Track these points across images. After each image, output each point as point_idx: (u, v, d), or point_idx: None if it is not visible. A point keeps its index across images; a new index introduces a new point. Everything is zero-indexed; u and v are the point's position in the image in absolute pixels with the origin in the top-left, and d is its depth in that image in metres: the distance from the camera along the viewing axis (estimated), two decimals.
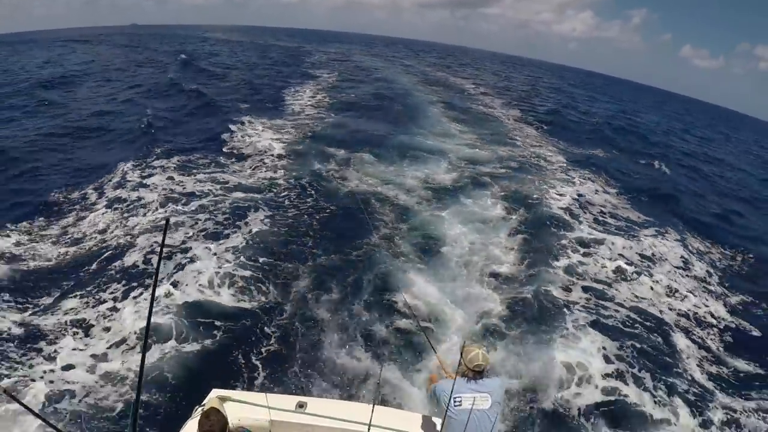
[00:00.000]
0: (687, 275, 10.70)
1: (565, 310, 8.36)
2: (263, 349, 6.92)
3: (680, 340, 8.18)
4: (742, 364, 7.92)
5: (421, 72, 50.76)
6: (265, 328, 7.35)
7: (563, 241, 11.14)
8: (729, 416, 6.58)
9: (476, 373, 3.53)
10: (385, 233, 10.61)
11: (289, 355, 6.86)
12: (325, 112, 23.30)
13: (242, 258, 8.89)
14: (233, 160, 14.65)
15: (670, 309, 9.17)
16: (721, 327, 8.98)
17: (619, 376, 6.95)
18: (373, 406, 3.24)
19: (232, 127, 17.60)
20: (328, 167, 14.66)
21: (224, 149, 15.43)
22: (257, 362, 6.68)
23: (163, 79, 28.26)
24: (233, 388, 4.55)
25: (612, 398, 6.52)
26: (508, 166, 16.89)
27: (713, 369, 7.68)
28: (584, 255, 10.73)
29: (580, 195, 14.82)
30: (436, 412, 3.81)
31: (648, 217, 14.05)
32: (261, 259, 9.06)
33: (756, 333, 9.02)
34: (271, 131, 18.08)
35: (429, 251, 10.00)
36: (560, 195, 14.51)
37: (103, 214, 10.54)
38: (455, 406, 3.45)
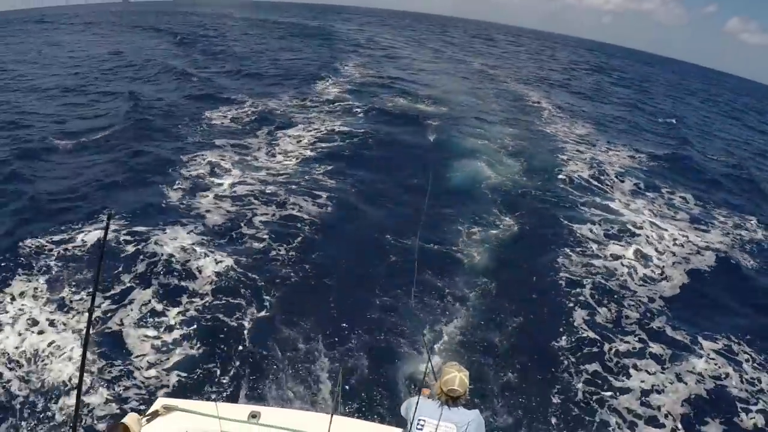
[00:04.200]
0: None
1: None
2: (213, 355, 6.63)
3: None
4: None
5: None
6: (216, 331, 7.02)
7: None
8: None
9: (450, 398, 3.32)
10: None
11: (240, 360, 6.58)
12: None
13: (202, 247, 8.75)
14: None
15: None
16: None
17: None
18: (332, 416, 3.20)
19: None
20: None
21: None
22: (206, 368, 6.39)
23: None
24: (181, 396, 4.44)
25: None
26: None
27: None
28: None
29: None
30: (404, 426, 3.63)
31: None
32: (219, 250, 8.83)
33: None
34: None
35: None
36: None
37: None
38: (417, 429, 3.29)
